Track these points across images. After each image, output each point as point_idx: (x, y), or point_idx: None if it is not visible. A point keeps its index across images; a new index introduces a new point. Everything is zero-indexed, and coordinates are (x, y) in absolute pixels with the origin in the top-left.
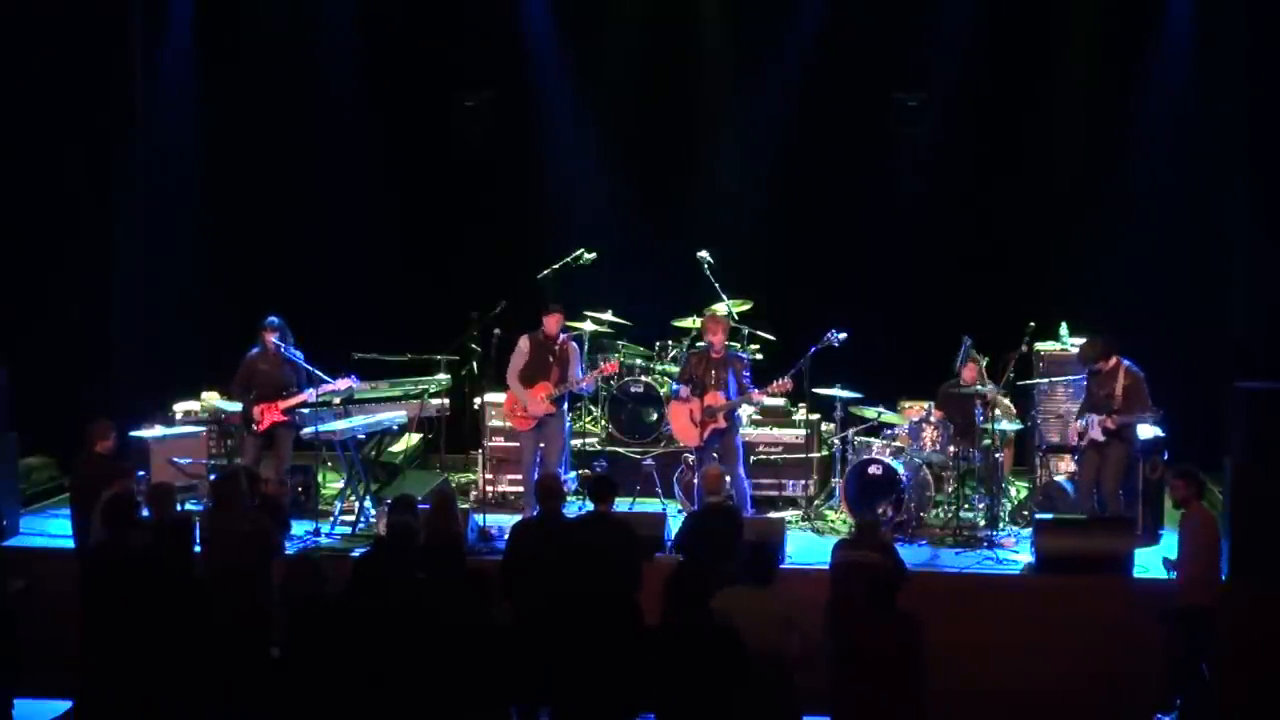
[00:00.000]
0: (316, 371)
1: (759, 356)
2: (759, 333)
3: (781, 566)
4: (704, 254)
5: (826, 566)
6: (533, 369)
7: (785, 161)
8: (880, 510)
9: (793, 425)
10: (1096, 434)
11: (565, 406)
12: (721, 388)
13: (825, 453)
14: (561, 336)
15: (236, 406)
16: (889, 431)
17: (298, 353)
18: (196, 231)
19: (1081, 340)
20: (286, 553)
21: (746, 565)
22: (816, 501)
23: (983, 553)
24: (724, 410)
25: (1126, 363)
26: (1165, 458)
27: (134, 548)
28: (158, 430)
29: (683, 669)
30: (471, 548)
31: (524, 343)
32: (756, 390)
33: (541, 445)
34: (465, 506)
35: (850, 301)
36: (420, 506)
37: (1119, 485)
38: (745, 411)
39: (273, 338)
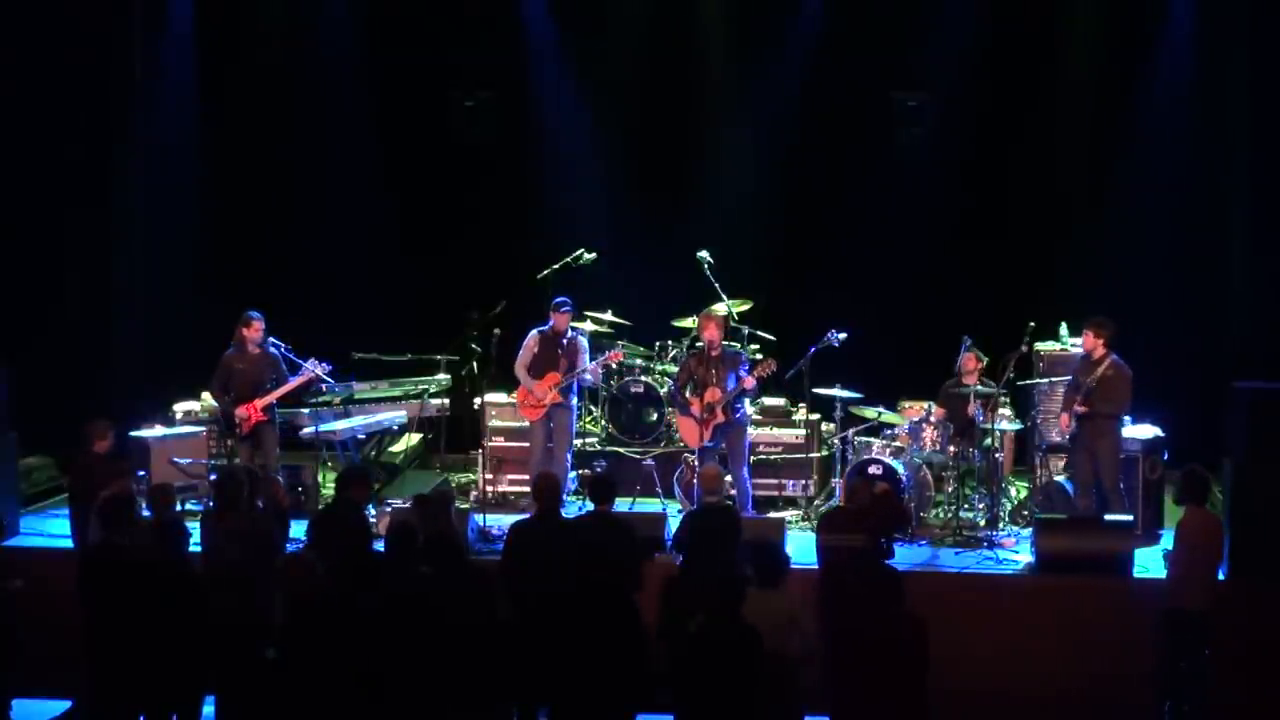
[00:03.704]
0: (298, 360)
1: (759, 356)
2: (759, 333)
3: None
4: (704, 254)
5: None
6: (541, 363)
7: (785, 161)
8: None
9: (793, 425)
10: (1068, 426)
11: (574, 401)
12: (721, 385)
13: (825, 453)
14: (570, 333)
15: None
16: (889, 431)
17: (276, 351)
18: (196, 231)
19: (1078, 339)
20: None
21: (758, 567)
22: (816, 501)
23: (983, 553)
24: (722, 403)
25: (1114, 357)
26: (1165, 458)
27: (132, 547)
28: (158, 430)
29: (709, 672)
30: (471, 547)
31: (532, 337)
32: (747, 376)
33: (549, 443)
34: (465, 506)
35: (850, 301)
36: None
37: (1118, 480)
38: (747, 410)
39: (258, 332)
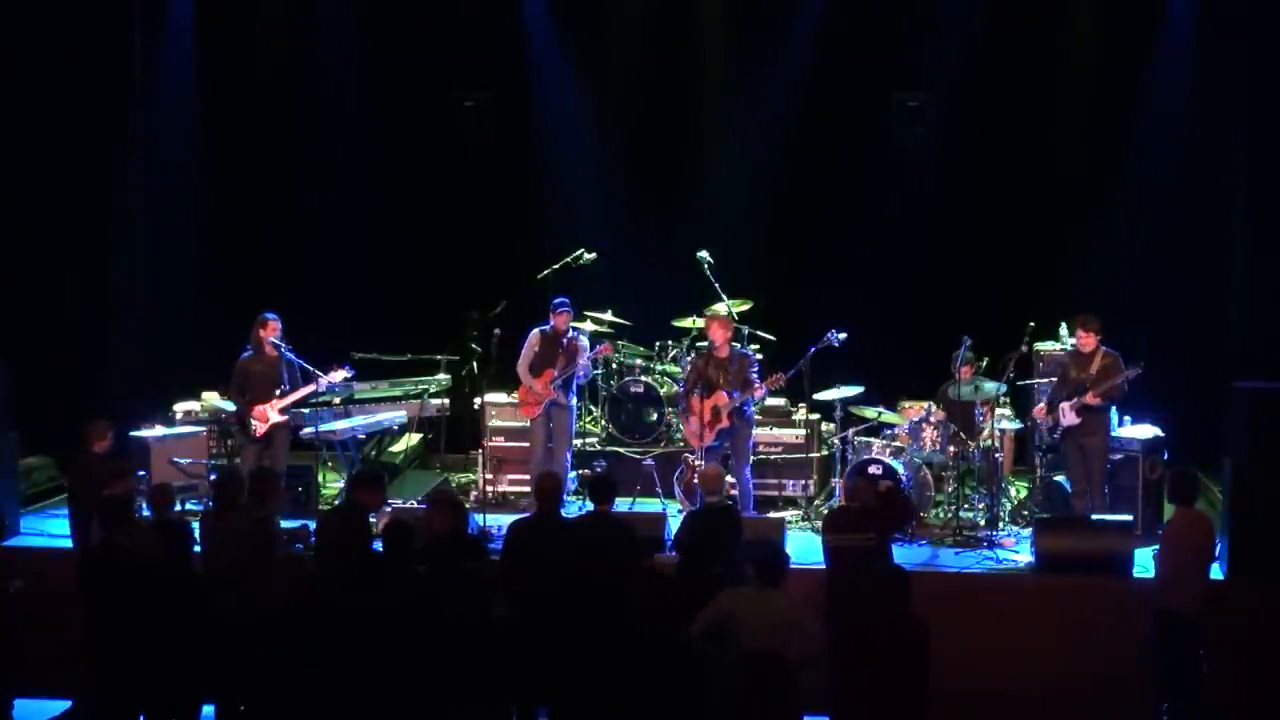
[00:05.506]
0: (309, 367)
1: (759, 357)
2: (759, 333)
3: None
4: (704, 254)
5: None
6: (542, 362)
7: (785, 161)
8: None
9: (793, 425)
10: (1070, 419)
11: (574, 400)
12: (729, 387)
13: (825, 453)
14: (571, 333)
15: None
16: (889, 431)
17: (292, 357)
18: (196, 232)
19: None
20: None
21: (758, 566)
22: (816, 501)
23: (983, 553)
24: (728, 408)
25: (1104, 347)
26: (1165, 458)
27: (132, 547)
28: (158, 430)
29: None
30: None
31: (534, 336)
32: (758, 384)
33: (549, 443)
34: (465, 506)
35: (850, 302)
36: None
37: (1105, 479)
38: (753, 410)
39: (275, 331)
